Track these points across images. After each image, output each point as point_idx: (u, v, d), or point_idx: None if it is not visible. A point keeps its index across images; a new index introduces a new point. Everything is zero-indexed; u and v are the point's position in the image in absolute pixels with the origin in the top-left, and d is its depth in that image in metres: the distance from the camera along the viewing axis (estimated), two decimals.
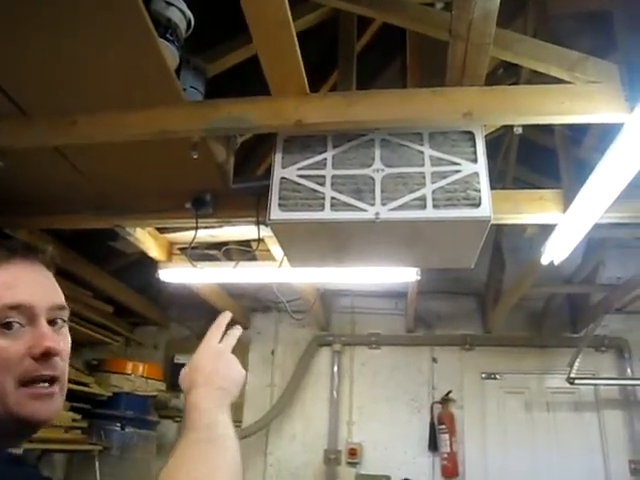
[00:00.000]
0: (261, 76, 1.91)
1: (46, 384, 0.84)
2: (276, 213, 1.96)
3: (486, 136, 2.03)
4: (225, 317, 1.06)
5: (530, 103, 1.78)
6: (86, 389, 3.59)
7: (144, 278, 3.92)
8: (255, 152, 3.24)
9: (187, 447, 0.83)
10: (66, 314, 0.92)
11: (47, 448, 3.34)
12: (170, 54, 1.94)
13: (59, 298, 0.91)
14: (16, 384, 0.81)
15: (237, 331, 1.04)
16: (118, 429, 3.79)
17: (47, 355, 0.83)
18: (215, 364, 0.96)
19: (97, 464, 3.55)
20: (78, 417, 3.50)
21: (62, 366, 0.87)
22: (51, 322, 0.88)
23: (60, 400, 0.87)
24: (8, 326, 0.82)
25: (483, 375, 4.25)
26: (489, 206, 1.89)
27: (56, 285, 0.92)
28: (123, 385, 3.87)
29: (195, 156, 2.12)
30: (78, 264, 3.52)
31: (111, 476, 3.59)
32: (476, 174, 1.95)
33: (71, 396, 3.22)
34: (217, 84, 2.32)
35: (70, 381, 0.91)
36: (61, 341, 0.88)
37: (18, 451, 0.92)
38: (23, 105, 2.08)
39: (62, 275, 0.96)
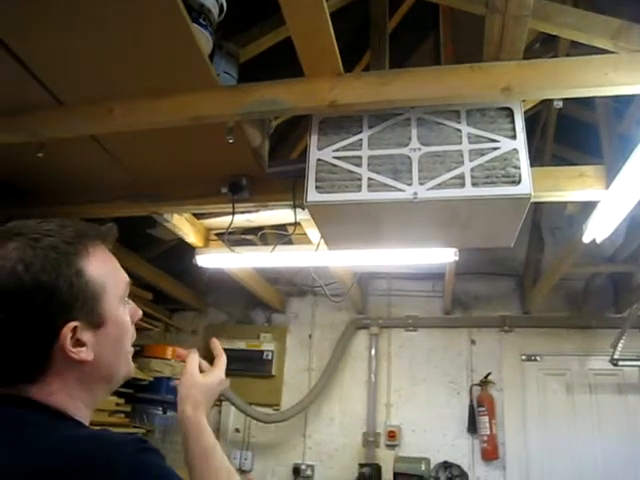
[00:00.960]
0: (293, 59, 1.90)
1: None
2: (313, 195, 1.96)
3: (524, 112, 1.99)
4: (215, 343, 1.31)
5: (572, 75, 1.73)
6: None
7: (181, 264, 3.97)
8: (289, 136, 3.23)
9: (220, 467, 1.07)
10: None
11: None
12: (203, 39, 1.94)
13: None
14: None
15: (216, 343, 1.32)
16: (160, 413, 3.87)
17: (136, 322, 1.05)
18: (213, 395, 1.20)
19: None
20: (121, 401, 3.58)
21: None
22: None
23: None
24: (127, 300, 1.01)
25: (523, 357, 4.18)
26: (529, 183, 1.85)
27: None
28: (164, 370, 3.94)
29: (231, 141, 2.12)
30: (117, 252, 3.56)
31: None
32: (515, 151, 1.91)
33: None
34: (249, 69, 2.32)
35: None
36: None
37: None
38: (60, 95, 2.11)
39: None
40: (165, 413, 3.88)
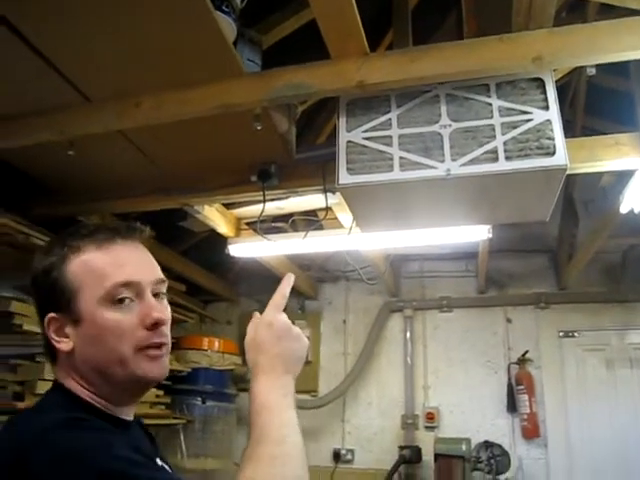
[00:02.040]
0: (315, 43, 1.88)
1: (157, 349, 0.98)
2: (345, 177, 1.95)
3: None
4: (289, 281, 1.10)
5: (606, 40, 1.68)
6: None
7: (212, 255, 4.00)
8: (315, 120, 3.22)
9: (262, 463, 0.84)
10: (165, 286, 1.04)
11: None
12: (227, 26, 1.94)
13: (159, 273, 1.04)
14: (133, 351, 0.95)
15: (289, 280, 1.10)
16: (199, 403, 3.90)
17: (157, 325, 0.97)
18: (279, 344, 0.99)
19: (182, 437, 3.68)
20: (161, 393, 3.63)
21: (167, 333, 1.01)
22: (155, 295, 1.00)
23: (166, 361, 1.01)
24: (121, 301, 0.95)
25: (560, 333, 4.12)
26: (564, 154, 1.82)
27: (154, 260, 1.06)
28: (201, 361, 3.97)
29: (259, 127, 2.11)
30: (150, 247, 3.60)
31: (196, 448, 3.72)
32: (548, 122, 1.87)
33: None
34: (272, 56, 2.31)
35: None
36: (165, 311, 1.01)
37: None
38: (87, 92, 2.13)
39: None
40: (204, 403, 3.91)
